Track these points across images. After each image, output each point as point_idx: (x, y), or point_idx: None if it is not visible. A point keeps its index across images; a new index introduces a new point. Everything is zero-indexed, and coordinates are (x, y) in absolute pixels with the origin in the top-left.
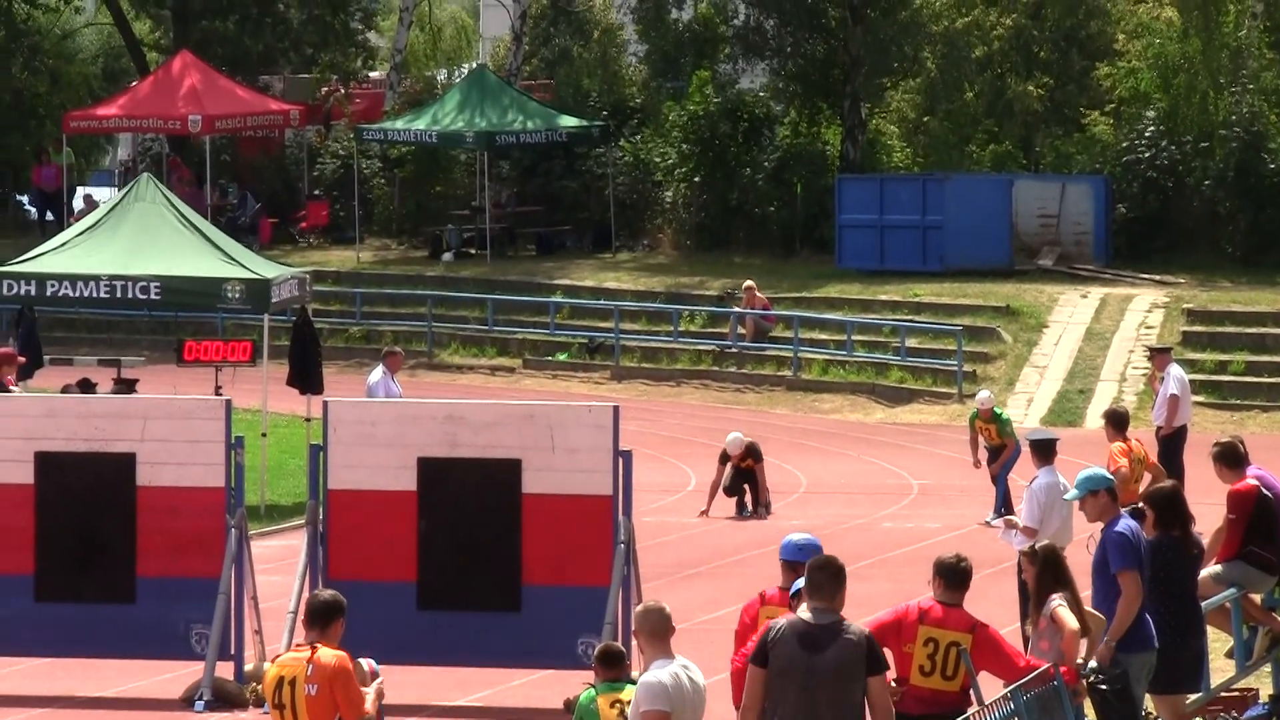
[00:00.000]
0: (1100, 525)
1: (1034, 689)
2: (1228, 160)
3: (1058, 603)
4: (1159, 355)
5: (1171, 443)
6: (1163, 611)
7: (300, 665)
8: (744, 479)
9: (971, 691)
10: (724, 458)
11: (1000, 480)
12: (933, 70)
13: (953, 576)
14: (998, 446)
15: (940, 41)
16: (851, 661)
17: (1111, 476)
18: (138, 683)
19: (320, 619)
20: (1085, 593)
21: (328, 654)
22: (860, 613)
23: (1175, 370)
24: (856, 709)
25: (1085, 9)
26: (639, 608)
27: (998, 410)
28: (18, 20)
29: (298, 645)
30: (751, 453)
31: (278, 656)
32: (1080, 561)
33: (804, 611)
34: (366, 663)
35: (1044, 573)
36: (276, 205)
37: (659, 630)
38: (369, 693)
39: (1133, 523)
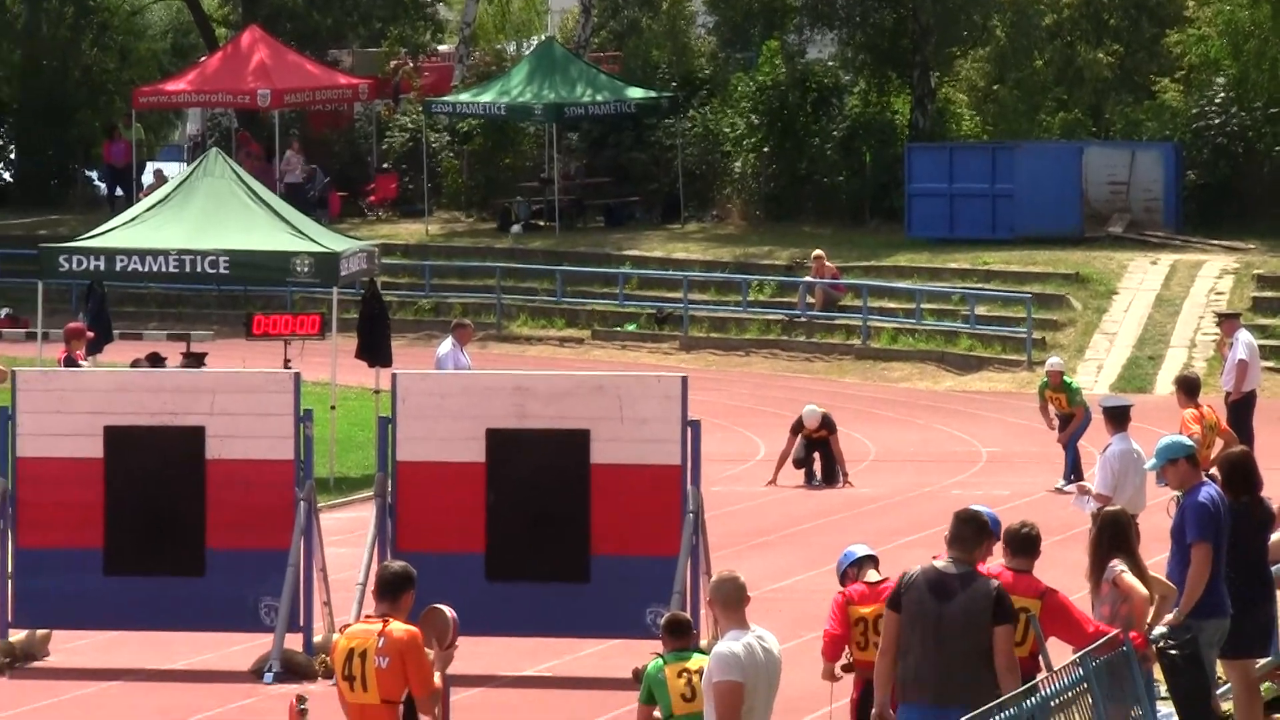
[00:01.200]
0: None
1: (1103, 655)
2: None
3: (1121, 568)
4: (1228, 321)
5: (1240, 408)
6: (1232, 577)
7: (371, 637)
8: (814, 449)
9: (1040, 657)
10: (796, 428)
11: (1070, 447)
12: (1002, 39)
13: (1019, 543)
14: (1067, 415)
15: (1009, 9)
16: (979, 610)
17: (1192, 443)
18: (207, 655)
19: (391, 590)
20: (1163, 557)
21: (400, 628)
22: None
23: (1244, 335)
24: (984, 657)
25: None
26: (714, 578)
27: (1067, 379)
28: None
29: (368, 617)
30: (826, 424)
31: (346, 627)
32: (1157, 526)
33: (939, 561)
34: (450, 612)
35: (1101, 537)
36: (345, 179)
37: (733, 600)
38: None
39: (1214, 490)
